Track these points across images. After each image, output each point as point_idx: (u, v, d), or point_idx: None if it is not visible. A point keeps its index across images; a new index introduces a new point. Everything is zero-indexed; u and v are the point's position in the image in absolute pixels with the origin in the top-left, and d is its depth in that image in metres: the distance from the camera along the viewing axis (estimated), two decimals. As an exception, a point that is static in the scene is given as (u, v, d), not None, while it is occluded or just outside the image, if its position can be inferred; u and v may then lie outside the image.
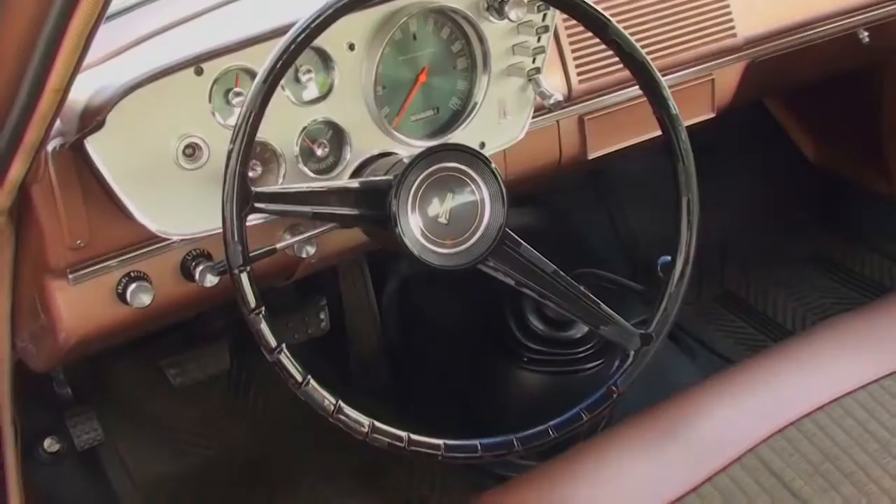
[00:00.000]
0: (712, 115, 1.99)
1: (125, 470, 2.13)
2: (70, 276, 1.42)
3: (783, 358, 1.73)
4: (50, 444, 2.07)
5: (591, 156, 1.87)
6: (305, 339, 2.22)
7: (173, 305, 1.53)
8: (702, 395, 1.69)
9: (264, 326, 1.21)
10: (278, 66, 1.19)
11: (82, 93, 1.28)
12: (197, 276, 1.46)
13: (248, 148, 1.18)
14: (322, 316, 2.24)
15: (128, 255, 1.46)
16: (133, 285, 1.45)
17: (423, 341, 2.38)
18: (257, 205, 1.21)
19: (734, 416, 1.62)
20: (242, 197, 1.19)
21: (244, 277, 1.20)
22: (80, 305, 1.45)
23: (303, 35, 1.20)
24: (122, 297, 1.46)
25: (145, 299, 1.45)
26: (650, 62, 1.38)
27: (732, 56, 1.96)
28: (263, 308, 1.21)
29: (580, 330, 2.06)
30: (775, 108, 2.85)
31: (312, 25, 1.20)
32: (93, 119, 1.25)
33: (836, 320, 1.79)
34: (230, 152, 1.18)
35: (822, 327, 1.80)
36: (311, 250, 1.52)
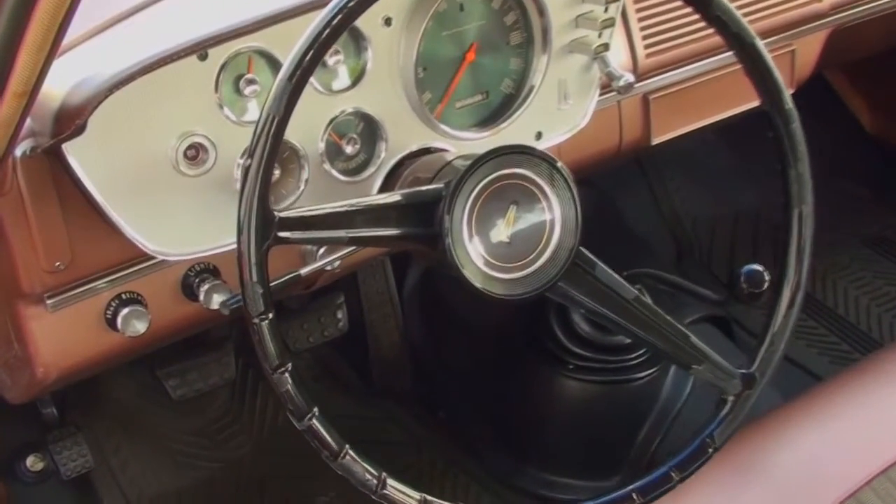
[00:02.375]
0: (791, 91, 1.74)
1: (118, 488, 1.90)
2: (48, 303, 1.19)
3: (881, 375, 1.51)
4: (33, 463, 1.83)
5: (655, 140, 1.64)
6: (322, 341, 1.97)
7: (172, 328, 1.30)
8: (783, 422, 1.47)
9: (291, 387, 0.97)
10: (308, 57, 0.94)
11: (58, 85, 1.03)
12: (202, 298, 1.23)
13: (270, 164, 0.93)
14: (339, 315, 2.00)
15: (118, 275, 1.22)
16: (125, 310, 1.21)
17: (451, 340, 2.14)
18: (281, 234, 0.96)
19: (827, 450, 1.41)
20: (263, 226, 0.94)
21: (265, 327, 0.95)
22: (61, 336, 1.22)
23: (341, 14, 0.94)
24: (111, 323, 1.23)
25: (139, 326, 1.22)
26: (762, 45, 1.12)
27: (817, 23, 1.73)
28: (290, 365, 0.96)
29: (632, 333, 1.82)
30: (832, 75, 2.60)
31: (352, 3, 0.94)
32: (71, 122, 1.00)
33: None
34: (247, 170, 0.93)
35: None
36: (336, 262, 1.28)
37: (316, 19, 0.94)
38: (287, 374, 0.97)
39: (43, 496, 1.88)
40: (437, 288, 2.15)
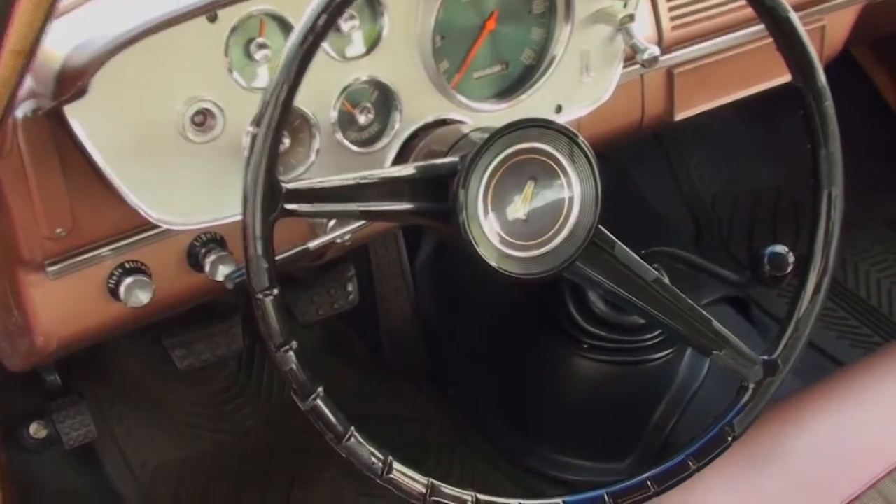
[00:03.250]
0: (820, 69, 1.69)
1: (122, 457, 1.87)
2: (49, 270, 1.15)
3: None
4: (36, 430, 1.80)
5: (679, 116, 1.59)
6: (331, 313, 1.93)
7: (177, 300, 1.27)
8: (803, 408, 1.43)
9: (296, 366, 0.93)
10: (321, 21, 0.89)
11: (61, 46, 0.99)
12: (207, 268, 1.20)
13: (279, 133, 0.89)
14: (350, 287, 1.95)
15: (122, 243, 1.18)
16: (128, 279, 1.18)
17: (463, 314, 2.10)
18: (289, 206, 0.92)
19: (846, 438, 1.37)
20: (270, 197, 0.90)
21: (269, 303, 0.91)
22: (62, 304, 1.19)
23: None
24: (113, 292, 1.19)
25: (143, 297, 1.18)
26: (796, 17, 1.07)
27: (850, -4, 1.66)
28: (295, 343, 0.93)
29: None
30: (859, 51, 2.53)
31: None
32: (72, 84, 0.95)
33: None
34: (254, 138, 0.89)
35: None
36: (347, 235, 1.24)
37: None
38: (292, 353, 0.93)
39: (45, 464, 1.85)
40: (450, 261, 2.10)
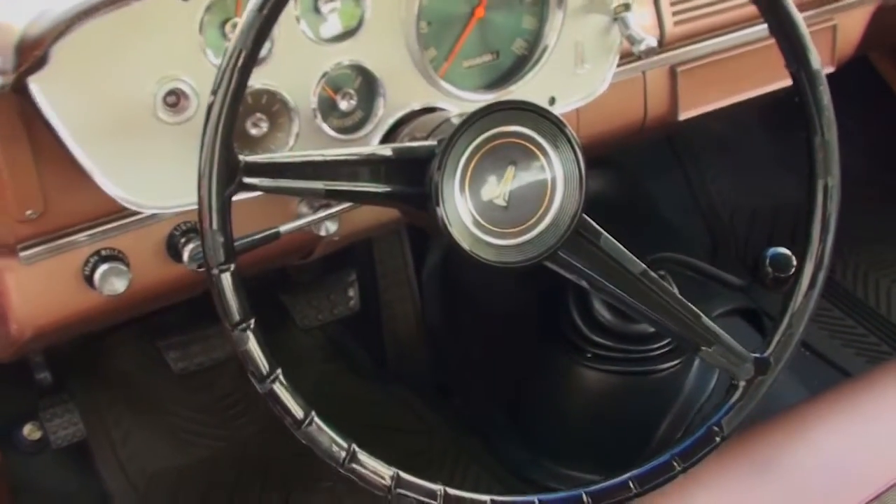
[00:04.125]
0: (831, 70, 1.64)
1: (117, 462, 1.84)
2: (21, 254, 1.13)
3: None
4: (30, 431, 1.79)
5: (683, 116, 1.55)
6: (331, 319, 1.90)
7: (154, 291, 1.23)
8: (807, 418, 1.39)
9: (253, 346, 0.90)
10: None
11: (19, 19, 0.96)
12: (186, 258, 1.17)
13: (236, 101, 0.87)
14: (351, 293, 1.93)
15: (98, 229, 1.16)
16: (103, 266, 1.15)
17: (469, 325, 2.06)
18: (247, 180, 0.89)
19: (852, 447, 1.34)
20: (226, 169, 0.87)
21: (226, 279, 0.88)
22: (36, 290, 1.16)
23: None
24: (88, 280, 1.16)
25: (118, 285, 1.15)
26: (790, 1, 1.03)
27: (862, -3, 1.62)
28: (253, 321, 0.89)
29: (654, 322, 1.74)
30: (879, 60, 2.48)
31: None
32: (30, 54, 0.93)
33: None
34: (210, 106, 0.86)
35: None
36: (333, 227, 1.23)
37: None
38: (249, 332, 0.90)
39: (40, 466, 1.83)
40: (457, 271, 2.07)
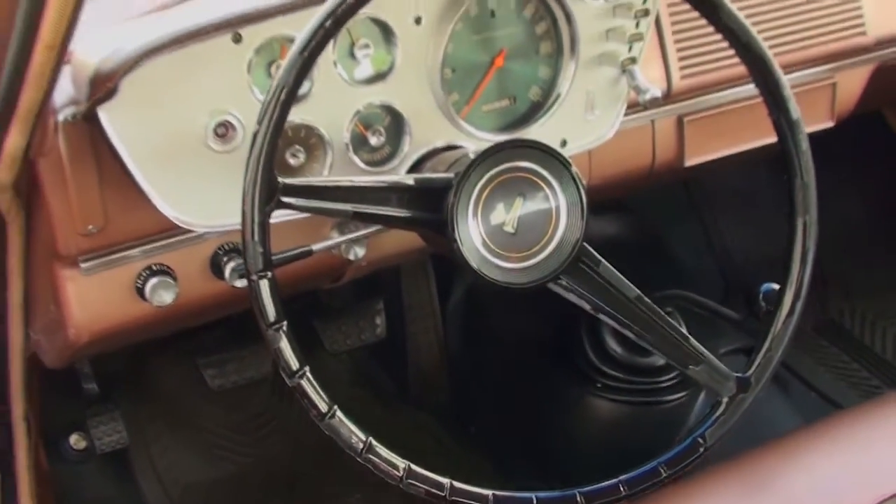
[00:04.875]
0: (831, 125, 1.75)
1: (155, 473, 1.96)
2: (82, 266, 1.26)
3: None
4: (76, 441, 1.92)
5: (689, 163, 1.65)
6: (359, 345, 2.02)
7: (199, 305, 1.35)
8: (800, 444, 1.48)
9: (285, 345, 1.02)
10: (319, 34, 1.00)
11: (95, 55, 1.10)
12: (227, 275, 1.30)
13: (277, 131, 0.99)
14: (378, 321, 2.05)
15: (150, 246, 1.29)
16: (154, 280, 1.28)
17: (489, 356, 2.17)
18: (285, 199, 1.02)
19: (839, 473, 1.41)
20: (267, 189, 1.00)
21: (264, 285, 1.00)
22: (93, 299, 1.29)
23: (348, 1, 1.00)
24: (140, 292, 1.29)
25: (166, 297, 1.28)
26: (771, 55, 1.15)
27: (860, 57, 1.73)
28: (285, 323, 1.01)
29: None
30: (893, 116, 2.58)
31: None
32: (103, 85, 1.07)
33: None
34: (255, 134, 0.99)
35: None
36: (361, 252, 1.34)
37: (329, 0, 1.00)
38: (282, 332, 1.02)
39: (83, 475, 1.95)
40: (479, 306, 2.18)
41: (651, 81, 1.42)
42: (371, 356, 2.14)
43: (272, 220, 1.03)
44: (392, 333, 2.07)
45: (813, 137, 1.70)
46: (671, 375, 1.84)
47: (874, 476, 1.40)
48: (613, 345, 1.85)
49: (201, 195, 1.20)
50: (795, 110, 1.17)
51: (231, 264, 1.29)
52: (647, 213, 2.34)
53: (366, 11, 1.19)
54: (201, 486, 1.98)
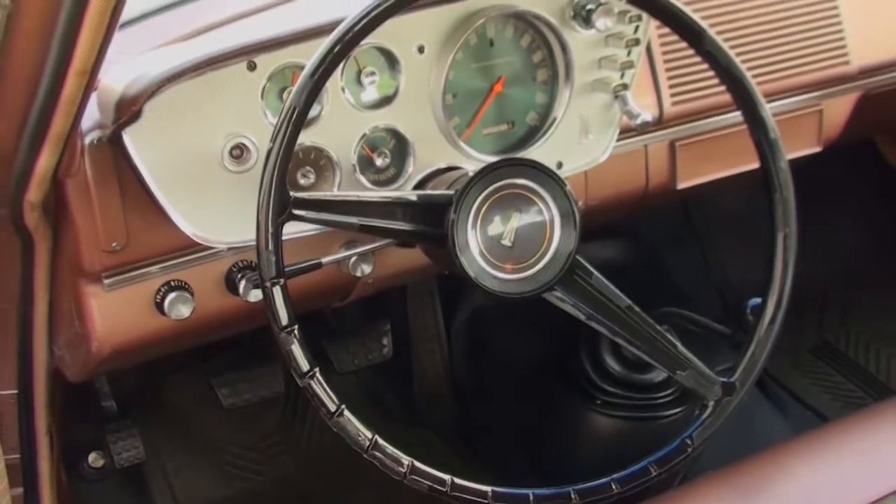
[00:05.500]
0: (818, 149, 1.83)
1: (170, 491, 2.03)
2: (105, 282, 1.33)
3: (885, 419, 1.56)
4: (94, 459, 1.98)
5: (681, 185, 1.73)
6: (366, 364, 2.10)
7: (215, 320, 1.42)
8: (790, 454, 1.53)
9: (296, 347, 1.09)
10: (327, 59, 1.08)
11: (120, 82, 1.18)
12: (241, 290, 1.37)
13: (289, 148, 1.07)
14: (385, 342, 2.12)
15: (169, 263, 1.36)
16: (172, 295, 1.35)
17: (492, 376, 2.24)
18: (296, 212, 1.10)
19: (825, 480, 1.46)
20: (279, 202, 1.08)
21: (277, 291, 1.08)
22: (115, 313, 1.36)
23: (356, 28, 1.08)
24: (159, 307, 1.36)
25: (184, 311, 1.35)
26: (749, 77, 1.23)
27: (844, 86, 1.81)
28: (296, 328, 1.09)
29: (660, 374, 1.90)
30: (886, 146, 2.65)
31: (364, 20, 1.08)
32: (128, 109, 1.15)
33: None
34: (269, 152, 1.07)
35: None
36: (367, 269, 1.41)
37: (339, 26, 1.08)
38: (294, 336, 1.09)
39: (101, 493, 2.02)
40: (483, 328, 2.25)
41: (643, 107, 1.51)
42: (378, 376, 2.21)
43: (285, 238, 1.11)
44: (398, 354, 2.14)
45: (810, 166, 1.79)
46: (668, 392, 1.90)
47: (858, 482, 1.46)
48: (612, 363, 1.91)
49: (217, 213, 1.28)
50: (773, 130, 1.24)
51: (244, 280, 1.36)
52: (647, 237, 2.41)
53: (371, 40, 1.28)
54: (215, 502, 2.04)
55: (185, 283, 1.37)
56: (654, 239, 2.45)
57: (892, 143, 2.63)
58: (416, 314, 2.18)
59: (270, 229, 1.07)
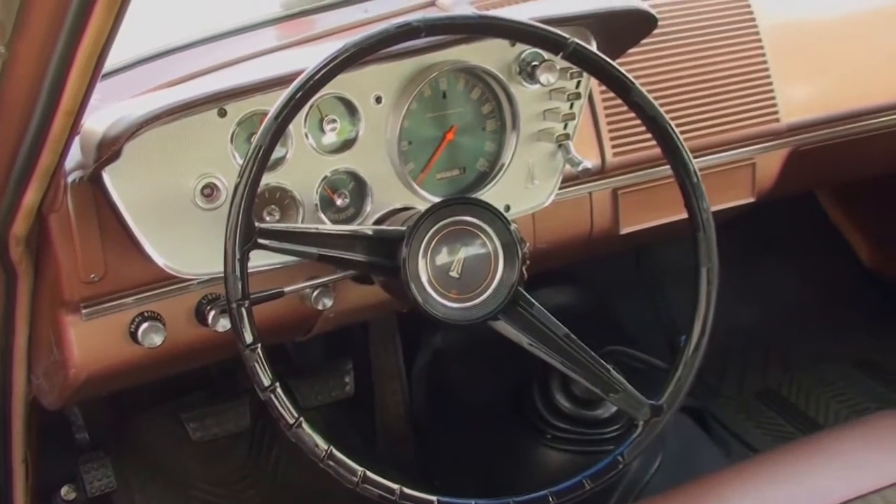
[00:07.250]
0: (752, 200, 1.95)
1: None
2: (83, 311, 1.42)
3: (811, 450, 1.68)
4: (66, 492, 2.06)
5: (624, 231, 1.84)
6: (329, 401, 2.20)
7: (185, 349, 1.52)
8: (723, 482, 1.64)
9: (258, 363, 1.19)
10: (290, 104, 1.19)
11: (102, 124, 1.30)
12: (210, 320, 1.46)
13: (255, 183, 1.18)
14: (347, 379, 2.22)
15: (143, 294, 1.46)
16: (145, 325, 1.45)
17: (450, 415, 2.34)
18: (261, 241, 1.20)
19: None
20: (246, 231, 1.18)
21: (242, 312, 1.18)
22: (92, 342, 1.45)
23: (316, 77, 1.20)
24: (133, 336, 1.46)
25: (156, 339, 1.45)
26: (673, 127, 1.36)
27: (775, 142, 1.93)
28: (260, 346, 1.19)
29: (608, 410, 2.01)
30: (826, 200, 2.79)
31: (323, 70, 1.20)
32: (108, 149, 1.26)
33: (870, 417, 1.72)
34: (236, 186, 1.18)
35: (855, 423, 1.74)
36: (329, 302, 1.51)
37: (301, 75, 1.20)
38: (257, 353, 1.19)
39: None
40: (442, 370, 2.36)
41: (586, 156, 1.62)
42: (340, 412, 2.30)
43: (251, 270, 1.21)
44: (360, 392, 2.24)
45: (754, 219, 1.90)
46: (615, 427, 2.01)
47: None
48: (562, 400, 2.02)
49: (189, 247, 1.38)
50: (695, 174, 1.36)
51: (214, 310, 1.46)
52: (599, 284, 2.53)
53: (332, 90, 1.40)
54: None
55: (158, 314, 1.46)
56: (606, 285, 2.57)
57: (830, 195, 2.78)
58: (377, 354, 2.28)
59: (237, 255, 1.18)
